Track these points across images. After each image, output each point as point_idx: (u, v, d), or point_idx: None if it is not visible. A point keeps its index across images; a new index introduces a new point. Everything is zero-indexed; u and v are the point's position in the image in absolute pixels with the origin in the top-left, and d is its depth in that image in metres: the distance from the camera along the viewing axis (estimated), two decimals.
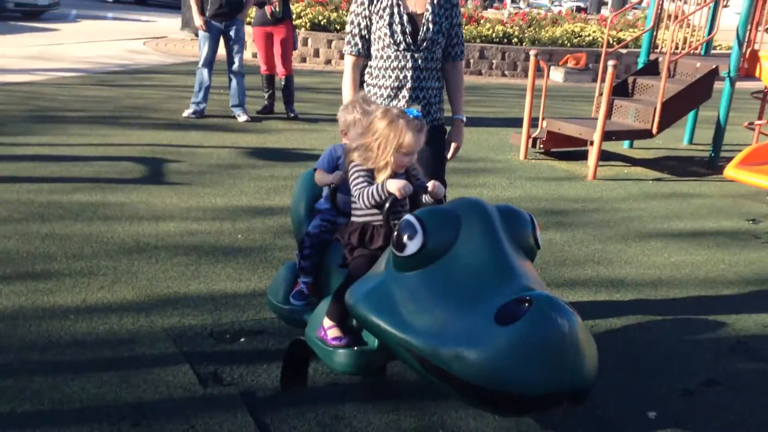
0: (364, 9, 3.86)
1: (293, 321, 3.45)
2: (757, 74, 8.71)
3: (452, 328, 2.34)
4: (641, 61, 9.50)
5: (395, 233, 2.62)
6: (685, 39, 9.36)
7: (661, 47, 9.66)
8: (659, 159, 9.16)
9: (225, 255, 4.98)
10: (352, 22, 3.92)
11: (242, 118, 9.47)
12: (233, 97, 9.55)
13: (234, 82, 9.47)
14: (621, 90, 9.02)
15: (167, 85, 11.69)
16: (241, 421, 3.16)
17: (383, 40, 3.83)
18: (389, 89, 3.87)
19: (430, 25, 3.81)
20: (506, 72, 17.05)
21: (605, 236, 5.96)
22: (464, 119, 4.08)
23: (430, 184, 3.02)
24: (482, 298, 2.36)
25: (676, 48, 8.94)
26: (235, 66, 9.43)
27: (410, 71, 3.84)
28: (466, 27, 17.15)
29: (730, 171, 7.44)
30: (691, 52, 9.05)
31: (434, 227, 2.56)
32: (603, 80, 8.24)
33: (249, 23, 10.60)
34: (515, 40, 17.31)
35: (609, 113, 8.37)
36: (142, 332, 3.86)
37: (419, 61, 3.84)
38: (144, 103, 10.13)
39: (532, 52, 8.41)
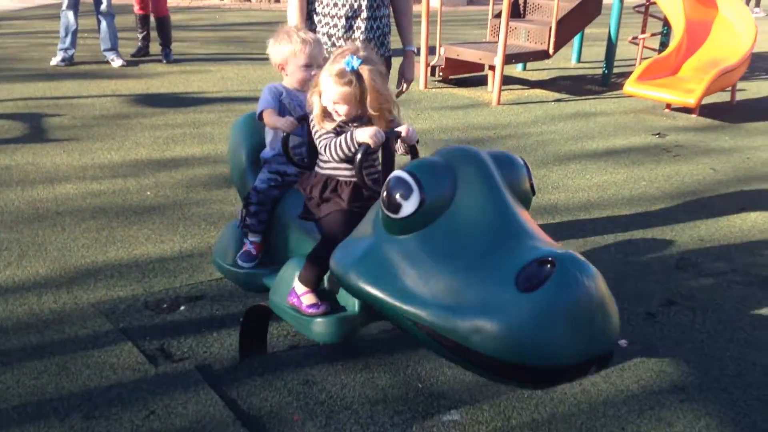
0: None
1: (248, 285, 3.14)
2: None
3: (468, 298, 2.09)
4: None
5: (385, 192, 2.33)
6: None
7: None
8: (554, 79, 9.15)
9: (137, 215, 4.56)
10: None
11: (117, 62, 8.79)
12: (104, 40, 8.83)
13: (104, 24, 8.73)
14: (512, 11, 8.88)
15: (28, 32, 10.74)
16: (205, 398, 2.85)
17: None
18: (343, 18, 3.54)
19: None
20: None
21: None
22: (415, 50, 3.80)
23: (403, 129, 2.70)
24: (496, 261, 2.12)
25: None
26: (103, 6, 8.67)
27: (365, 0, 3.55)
28: None
29: (629, 87, 7.49)
30: None
31: (430, 183, 2.28)
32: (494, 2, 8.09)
33: None
34: None
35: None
36: (67, 310, 3.45)
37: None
38: (5, 53, 9.24)
39: None
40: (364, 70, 2.56)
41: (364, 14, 3.54)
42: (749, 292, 3.86)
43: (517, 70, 9.53)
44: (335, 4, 3.57)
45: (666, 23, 9.70)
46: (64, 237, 4.21)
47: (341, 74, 2.57)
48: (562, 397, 2.94)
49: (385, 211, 2.31)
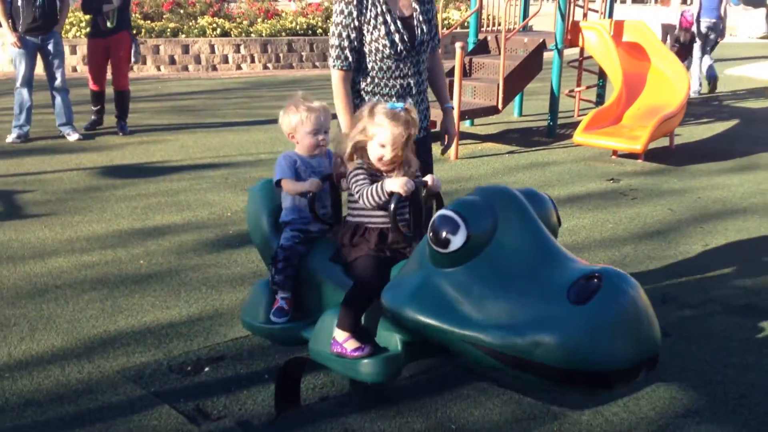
0: (353, 20, 3.56)
1: (283, 340, 3.28)
2: (579, 44, 9.31)
3: (525, 316, 2.31)
4: (471, 41, 9.83)
5: (431, 231, 2.54)
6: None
7: (486, 26, 10.08)
8: (502, 133, 9.55)
9: (137, 284, 4.63)
10: (339, 35, 3.59)
11: (73, 136, 8.79)
12: (59, 115, 8.83)
13: (58, 99, 8.75)
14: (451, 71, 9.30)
15: None
16: None
17: (382, 51, 3.59)
18: (394, 98, 3.66)
19: (423, 27, 3.67)
20: (317, 63, 17.09)
21: None
22: (453, 107, 4.00)
23: (429, 178, 2.95)
24: (545, 281, 2.35)
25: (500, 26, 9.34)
26: (58, 82, 8.70)
27: (412, 78, 3.69)
28: (267, 22, 17.01)
29: (578, 137, 7.92)
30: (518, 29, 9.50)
31: (474, 219, 2.50)
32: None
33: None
34: (320, 30, 17.35)
35: (451, 93, 8.60)
36: (94, 379, 3.51)
37: (418, 65, 3.70)
38: None
39: None
40: (411, 113, 2.85)
41: (413, 90, 3.69)
42: (732, 320, 4.16)
43: (465, 125, 9.91)
44: (385, 86, 3.66)
45: (601, 76, 10.28)
46: (69, 309, 4.25)
47: (396, 116, 2.82)
48: (588, 428, 3.14)
49: (435, 247, 2.51)
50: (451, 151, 7.91)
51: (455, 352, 2.59)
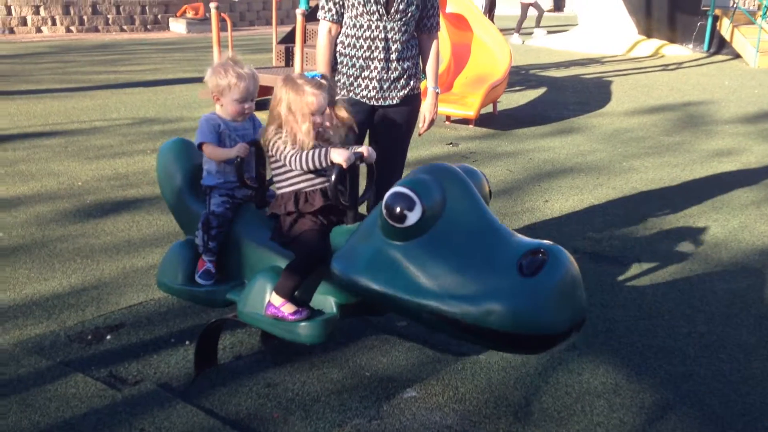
0: None
1: (208, 302, 3.31)
2: None
3: (479, 287, 2.53)
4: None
5: (385, 206, 2.67)
6: None
7: None
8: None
9: (3, 258, 4.43)
10: None
11: None
12: None
13: None
14: (290, 36, 9.37)
15: None
16: (184, 411, 3.00)
17: (356, 8, 3.70)
18: (360, 59, 3.74)
19: None
20: (124, 27, 16.43)
21: None
22: (439, 91, 4.10)
23: (364, 150, 3.07)
24: (494, 255, 2.58)
25: None
26: None
27: (382, 42, 3.77)
28: None
29: None
30: None
31: (427, 195, 2.67)
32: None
33: None
34: None
35: (290, 60, 8.71)
36: None
37: (392, 32, 3.77)
38: None
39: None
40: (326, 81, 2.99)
41: (381, 55, 3.81)
42: (584, 266, 4.58)
43: None
44: (354, 45, 3.81)
45: None
46: None
47: (316, 83, 2.94)
48: (487, 365, 3.45)
49: (390, 222, 2.67)
50: None
51: (409, 317, 2.77)
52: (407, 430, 2.95)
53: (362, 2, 3.76)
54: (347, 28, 3.86)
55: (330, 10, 3.84)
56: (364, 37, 3.81)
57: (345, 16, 3.85)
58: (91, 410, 2.99)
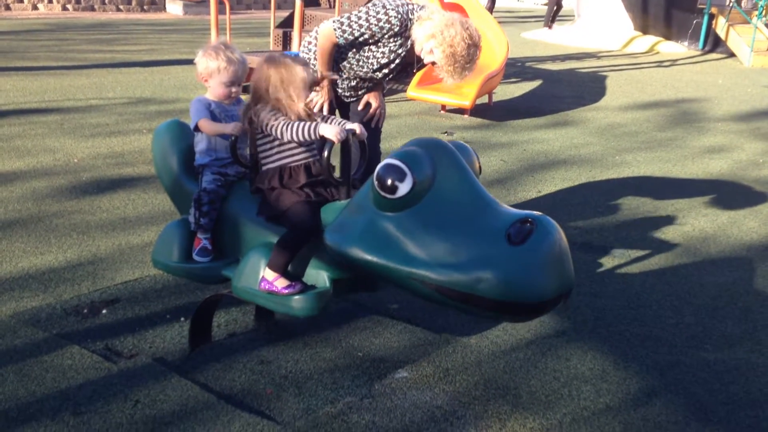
0: (383, 33, 3.66)
1: (204, 278, 3.35)
2: None
3: (468, 255, 2.59)
4: None
5: (377, 178, 2.74)
6: None
7: None
8: None
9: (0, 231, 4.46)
10: (362, 25, 3.64)
11: None
12: None
13: None
14: (287, 21, 9.39)
15: None
16: (179, 384, 3.05)
17: (370, 62, 3.79)
18: (348, 82, 3.94)
19: (398, 66, 3.85)
20: (121, 6, 16.38)
21: None
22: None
23: (356, 127, 3.14)
24: (483, 225, 2.64)
25: None
26: None
27: (369, 83, 3.97)
28: None
29: (412, 92, 8.32)
30: None
31: (418, 168, 2.73)
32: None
33: None
34: None
35: (288, 45, 8.72)
36: None
37: (380, 76, 3.90)
38: None
39: None
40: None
41: (363, 92, 4.04)
42: (575, 256, 4.64)
43: None
44: (347, 77, 3.93)
45: None
46: None
47: (301, 60, 3.05)
48: (478, 349, 3.51)
49: (382, 193, 2.73)
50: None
51: (401, 287, 2.83)
52: (398, 409, 3.01)
53: (377, 68, 3.81)
54: (349, 55, 3.84)
55: (347, 39, 3.69)
56: (359, 77, 3.94)
57: (354, 48, 3.79)
58: (87, 382, 3.03)
